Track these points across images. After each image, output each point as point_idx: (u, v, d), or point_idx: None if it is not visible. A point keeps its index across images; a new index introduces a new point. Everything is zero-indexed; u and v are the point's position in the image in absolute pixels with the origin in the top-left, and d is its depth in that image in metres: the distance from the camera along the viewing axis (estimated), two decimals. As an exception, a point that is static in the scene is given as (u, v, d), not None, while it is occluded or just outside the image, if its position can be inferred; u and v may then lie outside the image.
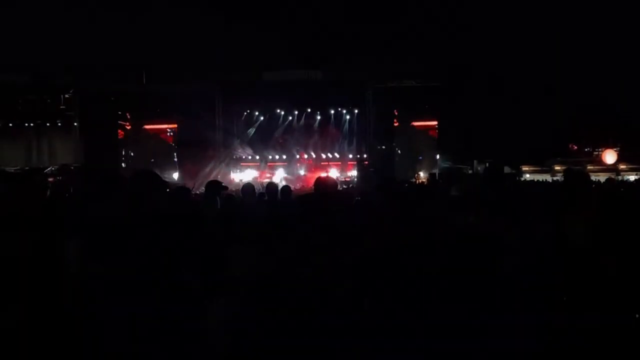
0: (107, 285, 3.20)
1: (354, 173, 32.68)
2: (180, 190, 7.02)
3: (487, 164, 26.89)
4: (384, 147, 32.16)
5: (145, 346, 3.18)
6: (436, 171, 30.61)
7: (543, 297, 3.43)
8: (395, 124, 33.91)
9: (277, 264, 3.82)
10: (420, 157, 34.05)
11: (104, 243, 3.34)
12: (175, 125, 33.92)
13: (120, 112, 34.28)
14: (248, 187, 8.40)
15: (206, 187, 7.33)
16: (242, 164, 34.72)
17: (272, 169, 33.99)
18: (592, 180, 6.70)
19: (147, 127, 35.21)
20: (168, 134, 34.26)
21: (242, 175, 32.38)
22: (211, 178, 26.24)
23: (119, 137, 34.59)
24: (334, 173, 31.85)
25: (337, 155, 34.95)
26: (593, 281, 3.62)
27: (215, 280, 3.66)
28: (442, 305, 3.26)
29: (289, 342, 3.33)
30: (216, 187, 7.30)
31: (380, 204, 4.93)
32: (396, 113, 33.62)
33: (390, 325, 3.30)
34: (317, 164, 34.25)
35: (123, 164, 33.24)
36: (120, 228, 3.51)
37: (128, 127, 35.17)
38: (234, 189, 19.33)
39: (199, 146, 30.78)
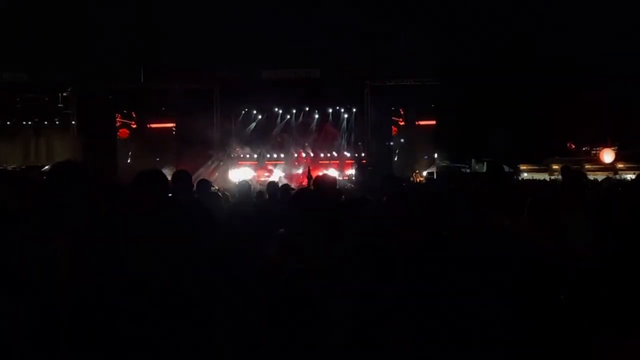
0: (105, 284, 3.20)
1: (352, 172, 32.69)
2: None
3: (486, 163, 26.97)
4: (382, 145, 32.14)
5: (144, 345, 3.18)
6: (434, 170, 30.65)
7: (542, 296, 3.43)
8: (394, 123, 33.95)
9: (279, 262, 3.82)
10: (419, 156, 34.12)
11: (104, 241, 3.34)
12: (174, 125, 33.90)
13: (125, 111, 34.28)
14: (243, 186, 8.47)
15: (197, 185, 7.35)
16: (239, 162, 34.70)
17: (270, 167, 34.04)
18: (587, 179, 6.72)
19: (154, 125, 35.23)
20: (173, 132, 34.23)
21: (240, 174, 32.39)
22: (209, 176, 26.29)
23: (124, 136, 34.61)
24: (332, 172, 31.88)
25: (335, 154, 34.96)
26: (592, 281, 3.63)
27: (220, 281, 3.66)
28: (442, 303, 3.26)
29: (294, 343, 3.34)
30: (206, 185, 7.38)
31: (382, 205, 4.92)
32: (394, 111, 33.66)
33: (397, 326, 3.30)
34: (315, 163, 34.27)
35: (129, 161, 33.52)
36: (123, 225, 3.51)
37: (133, 126, 35.16)
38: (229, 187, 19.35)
39: (196, 144, 30.75)
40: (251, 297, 3.67)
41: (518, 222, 4.10)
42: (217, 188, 13.42)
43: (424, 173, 30.88)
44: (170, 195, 4.69)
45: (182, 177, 5.58)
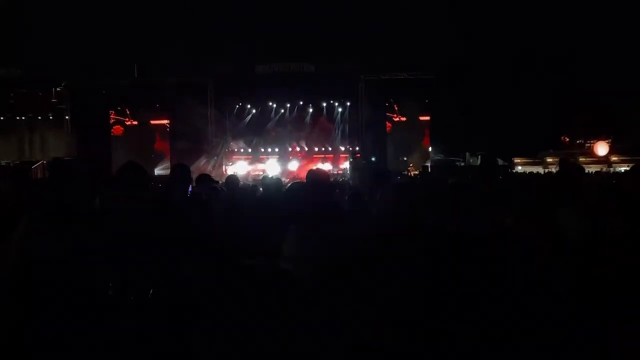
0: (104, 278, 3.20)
1: (346, 165, 32.73)
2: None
3: (480, 156, 27.04)
4: (376, 139, 32.16)
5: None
6: (428, 163, 30.72)
7: (541, 291, 3.43)
8: (388, 118, 33.97)
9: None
10: (414, 150, 34.20)
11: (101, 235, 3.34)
12: (168, 121, 33.80)
13: (119, 108, 34.11)
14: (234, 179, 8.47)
15: (197, 180, 7.34)
16: (234, 157, 34.70)
17: (265, 162, 34.05)
18: (585, 173, 6.73)
19: (152, 122, 35.14)
20: (167, 128, 34.13)
21: (235, 169, 32.37)
22: (204, 171, 26.24)
23: (119, 133, 34.47)
24: (326, 166, 31.90)
25: (329, 147, 34.96)
26: (590, 275, 3.63)
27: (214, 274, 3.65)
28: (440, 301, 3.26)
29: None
30: (208, 180, 7.36)
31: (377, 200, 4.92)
32: (388, 106, 33.68)
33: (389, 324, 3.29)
34: (310, 157, 34.30)
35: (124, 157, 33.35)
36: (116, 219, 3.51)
37: (127, 123, 35.05)
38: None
39: (191, 140, 30.73)
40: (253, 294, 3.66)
41: (518, 217, 4.10)
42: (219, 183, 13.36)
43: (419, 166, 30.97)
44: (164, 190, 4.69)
45: (178, 171, 5.55)
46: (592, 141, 32.19)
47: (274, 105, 34.70)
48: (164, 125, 34.48)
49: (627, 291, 3.47)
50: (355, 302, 3.28)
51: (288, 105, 34.66)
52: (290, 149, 34.81)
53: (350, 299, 3.30)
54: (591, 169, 25.33)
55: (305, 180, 5.25)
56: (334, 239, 3.74)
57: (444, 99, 30.00)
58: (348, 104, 34.08)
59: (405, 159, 33.41)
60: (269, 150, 34.91)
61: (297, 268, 3.55)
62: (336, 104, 34.60)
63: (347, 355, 3.06)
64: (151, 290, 3.32)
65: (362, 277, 3.39)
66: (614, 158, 30.30)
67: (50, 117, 33.05)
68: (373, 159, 30.21)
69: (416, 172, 28.30)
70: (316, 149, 35.01)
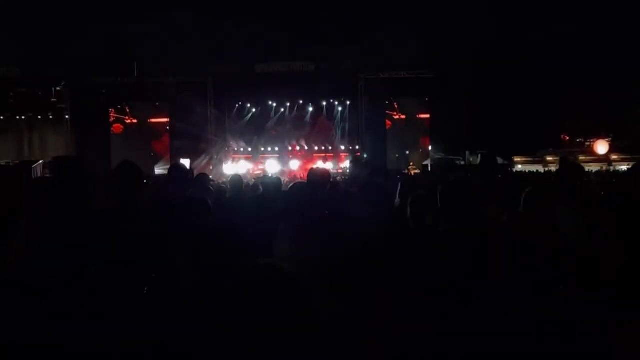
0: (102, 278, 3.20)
1: (346, 164, 32.74)
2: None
3: (480, 155, 27.02)
4: (376, 138, 32.17)
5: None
6: (428, 162, 30.72)
7: (540, 288, 3.43)
8: (388, 116, 33.99)
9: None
10: (414, 149, 34.21)
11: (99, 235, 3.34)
12: (167, 119, 33.79)
13: (119, 106, 34.08)
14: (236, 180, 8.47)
15: (195, 179, 7.34)
16: (234, 156, 34.70)
17: (265, 161, 34.03)
18: (585, 172, 6.74)
19: (147, 120, 35.10)
20: (167, 127, 34.10)
21: (235, 168, 32.38)
22: (204, 171, 26.25)
23: (118, 131, 34.44)
24: (327, 165, 31.91)
25: (329, 146, 34.97)
26: (589, 273, 3.63)
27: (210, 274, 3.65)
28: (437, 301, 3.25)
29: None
30: (205, 180, 7.35)
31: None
32: (388, 104, 33.70)
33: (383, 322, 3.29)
34: (310, 156, 34.30)
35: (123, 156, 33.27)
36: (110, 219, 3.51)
37: (127, 121, 35.02)
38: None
39: (191, 138, 30.72)
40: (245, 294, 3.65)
41: (515, 215, 4.10)
42: (217, 182, 13.34)
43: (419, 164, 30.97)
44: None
45: (175, 171, 5.55)
46: (592, 140, 32.16)
47: (274, 104, 34.71)
48: (163, 123, 34.46)
49: (626, 289, 3.47)
50: (352, 302, 3.28)
51: (288, 104, 34.67)
52: (290, 148, 34.83)
53: (348, 299, 3.29)
54: (591, 167, 25.31)
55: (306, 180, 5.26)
56: (332, 238, 3.73)
57: (443, 97, 30.01)
58: (348, 102, 34.09)
59: (397, 156, 33.49)
60: (269, 149, 34.92)
61: (294, 268, 3.54)
62: (336, 102, 34.61)
63: (346, 354, 3.06)
64: (146, 289, 3.33)
65: (359, 277, 3.39)
66: (614, 157, 30.26)
67: (50, 117, 33.00)
68: (365, 155, 30.30)
69: (417, 171, 28.31)
70: (316, 148, 35.03)
